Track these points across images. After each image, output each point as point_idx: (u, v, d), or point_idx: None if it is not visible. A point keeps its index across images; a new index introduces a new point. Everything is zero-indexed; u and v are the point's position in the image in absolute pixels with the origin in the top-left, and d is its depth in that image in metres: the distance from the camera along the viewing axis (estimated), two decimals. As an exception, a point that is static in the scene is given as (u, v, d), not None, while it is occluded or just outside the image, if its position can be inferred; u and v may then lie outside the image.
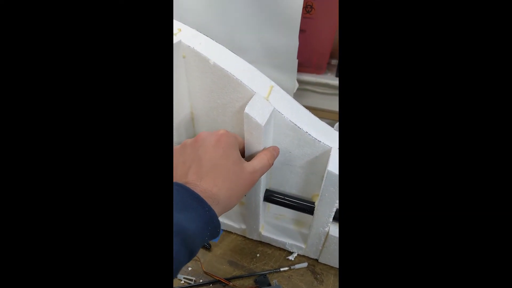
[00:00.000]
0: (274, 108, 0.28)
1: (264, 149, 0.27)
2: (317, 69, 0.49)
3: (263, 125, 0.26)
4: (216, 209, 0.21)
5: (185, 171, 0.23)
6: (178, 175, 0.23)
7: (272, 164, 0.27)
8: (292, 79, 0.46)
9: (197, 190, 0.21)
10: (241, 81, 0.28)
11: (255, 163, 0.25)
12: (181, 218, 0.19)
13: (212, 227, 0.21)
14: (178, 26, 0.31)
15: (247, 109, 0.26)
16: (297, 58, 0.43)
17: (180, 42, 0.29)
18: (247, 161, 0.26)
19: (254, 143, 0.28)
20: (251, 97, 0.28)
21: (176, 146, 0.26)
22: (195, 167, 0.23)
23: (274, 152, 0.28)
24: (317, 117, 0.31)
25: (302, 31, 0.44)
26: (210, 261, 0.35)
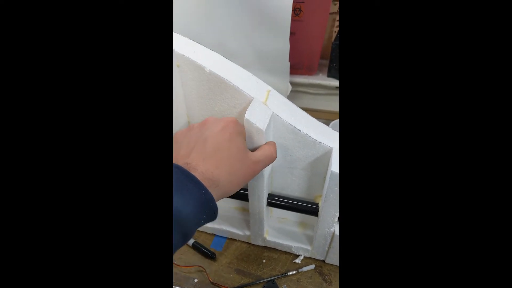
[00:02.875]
0: (273, 112, 0.28)
1: (267, 143, 0.27)
2: (309, 71, 0.49)
3: (264, 130, 0.26)
4: (215, 192, 0.21)
5: (188, 151, 0.23)
6: (181, 155, 0.23)
7: (276, 156, 0.27)
8: (285, 82, 0.46)
9: (198, 171, 0.21)
10: (238, 87, 0.28)
11: (259, 154, 0.25)
12: (175, 200, 0.18)
13: (208, 210, 0.20)
14: (170, 35, 0.31)
15: (247, 115, 0.26)
16: (289, 60, 0.44)
17: (173, 51, 0.29)
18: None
19: (256, 148, 0.27)
20: (249, 102, 0.28)
21: (182, 129, 0.26)
22: (199, 147, 0.22)
23: (275, 146, 0.28)
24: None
25: (292, 34, 0.44)
26: (216, 271, 0.34)
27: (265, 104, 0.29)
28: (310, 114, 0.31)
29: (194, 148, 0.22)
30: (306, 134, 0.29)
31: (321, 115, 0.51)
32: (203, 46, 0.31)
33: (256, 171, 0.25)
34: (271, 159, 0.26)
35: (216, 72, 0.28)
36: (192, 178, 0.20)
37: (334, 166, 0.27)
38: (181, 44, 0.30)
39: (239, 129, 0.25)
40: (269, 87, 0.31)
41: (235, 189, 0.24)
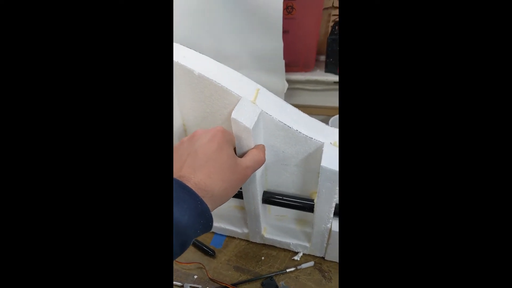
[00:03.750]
0: (262, 110, 0.29)
1: (255, 146, 0.28)
2: (305, 67, 0.49)
3: (251, 128, 0.26)
4: (210, 202, 0.21)
5: (180, 164, 0.23)
6: (174, 169, 0.23)
7: (265, 160, 0.28)
8: (281, 80, 0.46)
9: (191, 182, 0.21)
10: (226, 88, 0.29)
11: (248, 159, 0.26)
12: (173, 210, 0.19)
13: (204, 220, 0.21)
14: (161, 42, 0.32)
15: (233, 114, 0.27)
16: (284, 58, 0.44)
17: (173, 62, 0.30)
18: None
19: (244, 147, 0.28)
20: (238, 102, 0.29)
21: (174, 144, 0.27)
22: (190, 160, 0.23)
23: (264, 149, 0.28)
24: (311, 114, 0.31)
25: (285, 32, 0.44)
26: (215, 267, 0.35)
27: (254, 103, 0.29)
28: (309, 111, 0.31)
29: (186, 161, 0.23)
30: (297, 130, 0.29)
31: (320, 111, 0.51)
32: (193, 51, 0.32)
33: (246, 176, 0.26)
34: (260, 163, 0.27)
35: (205, 75, 0.29)
36: (188, 190, 0.21)
37: (325, 161, 0.27)
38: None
39: (227, 137, 0.25)
40: (259, 86, 0.31)
41: (229, 196, 0.24)
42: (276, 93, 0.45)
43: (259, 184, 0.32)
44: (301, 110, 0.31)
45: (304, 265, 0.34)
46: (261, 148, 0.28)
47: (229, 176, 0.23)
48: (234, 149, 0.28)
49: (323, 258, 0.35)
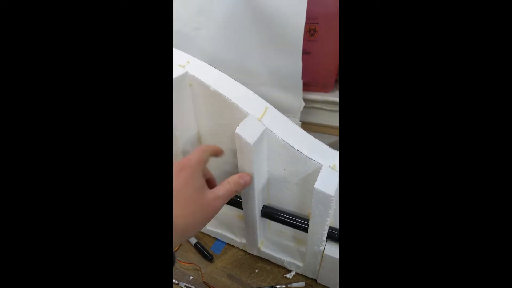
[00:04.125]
0: (266, 127, 0.30)
1: (234, 175, 0.29)
2: (324, 88, 0.50)
3: (252, 144, 0.28)
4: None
5: None
6: None
7: (239, 190, 0.28)
8: (298, 99, 0.47)
9: None
10: (237, 104, 0.32)
11: (219, 189, 0.26)
12: None
13: None
14: (187, 59, 0.36)
15: (237, 130, 0.29)
16: (304, 78, 0.45)
17: (186, 73, 0.34)
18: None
19: (245, 161, 0.30)
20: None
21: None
22: None
23: (241, 179, 0.28)
24: (326, 133, 0.31)
25: (307, 53, 0.46)
26: (211, 272, 0.36)
27: (260, 120, 0.31)
28: (324, 130, 0.31)
29: None
30: (298, 150, 0.30)
31: (336, 132, 0.50)
32: (213, 68, 0.35)
33: (217, 207, 0.25)
34: (232, 192, 0.27)
35: (219, 91, 0.32)
36: None
37: (319, 183, 0.28)
38: (195, 67, 0.35)
39: (194, 170, 0.25)
40: (268, 105, 0.33)
41: (195, 230, 0.24)
42: (292, 111, 0.46)
43: (258, 198, 0.33)
44: (317, 129, 0.31)
45: (294, 285, 0.34)
46: (237, 177, 0.28)
47: (194, 210, 0.24)
48: (209, 176, 0.29)
49: (315, 280, 0.34)
